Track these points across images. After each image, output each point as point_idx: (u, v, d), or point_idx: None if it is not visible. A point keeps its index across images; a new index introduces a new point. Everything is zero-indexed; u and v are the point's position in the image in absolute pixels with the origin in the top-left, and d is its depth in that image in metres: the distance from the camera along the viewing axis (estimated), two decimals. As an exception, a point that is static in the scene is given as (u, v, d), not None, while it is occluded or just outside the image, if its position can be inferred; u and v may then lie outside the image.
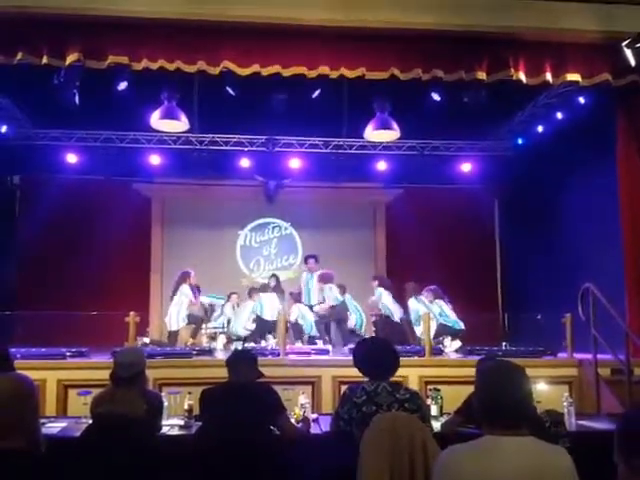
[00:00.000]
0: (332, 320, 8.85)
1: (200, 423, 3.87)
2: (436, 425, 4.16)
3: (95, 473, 3.15)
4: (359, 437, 2.98)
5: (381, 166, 10.42)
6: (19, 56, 5.62)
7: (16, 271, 9.92)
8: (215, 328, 9.20)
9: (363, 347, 3.81)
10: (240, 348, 6.44)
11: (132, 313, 6.65)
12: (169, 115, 7.67)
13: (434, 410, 4.74)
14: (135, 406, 3.46)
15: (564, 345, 6.81)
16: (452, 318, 8.01)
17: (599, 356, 6.08)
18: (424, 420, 3.38)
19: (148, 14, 5.62)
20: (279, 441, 3.60)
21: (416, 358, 6.81)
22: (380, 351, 3.66)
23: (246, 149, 10.14)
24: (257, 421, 3.48)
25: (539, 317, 8.03)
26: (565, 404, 4.43)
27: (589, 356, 6.18)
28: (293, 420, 4.09)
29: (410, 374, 6.32)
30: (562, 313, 6.76)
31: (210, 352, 7.43)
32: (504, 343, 8.38)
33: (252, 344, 8.27)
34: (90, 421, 3.64)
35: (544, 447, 1.98)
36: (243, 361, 3.88)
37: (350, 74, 6.04)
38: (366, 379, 3.58)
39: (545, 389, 5.26)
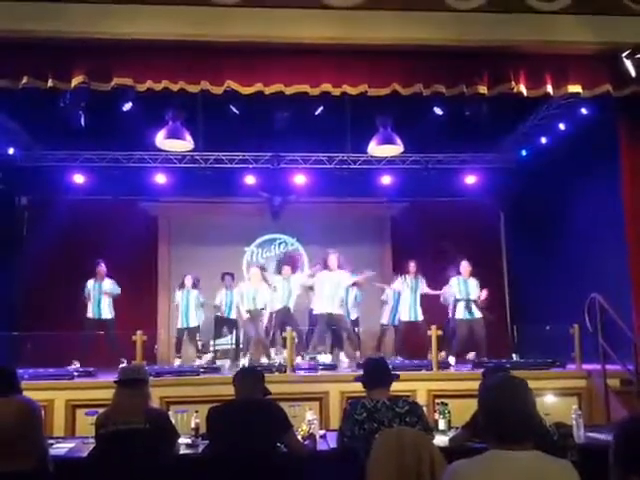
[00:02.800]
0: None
1: (207, 442, 3.88)
2: (444, 439, 4.15)
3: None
4: (363, 454, 2.98)
5: (385, 180, 10.44)
6: (24, 80, 5.69)
7: (24, 292, 9.97)
8: (224, 345, 9.22)
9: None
10: (247, 365, 6.40)
11: (139, 332, 6.67)
12: (174, 135, 7.73)
13: (442, 424, 4.73)
14: (136, 417, 3.49)
15: (573, 356, 6.78)
16: None
17: (608, 367, 6.05)
18: (426, 429, 3.39)
19: (151, 36, 5.68)
20: (286, 458, 3.59)
21: (424, 372, 6.80)
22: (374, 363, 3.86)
23: (251, 166, 10.20)
24: (264, 439, 3.48)
25: (547, 328, 7.99)
26: (574, 416, 4.40)
27: (598, 367, 6.15)
28: (300, 437, 4.08)
29: (418, 388, 6.31)
30: (570, 324, 6.73)
31: (217, 370, 7.43)
32: (513, 355, 8.34)
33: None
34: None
35: (549, 461, 1.97)
36: (250, 378, 3.88)
37: (352, 91, 6.08)
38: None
39: (554, 401, 5.23)
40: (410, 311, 8.80)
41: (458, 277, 8.52)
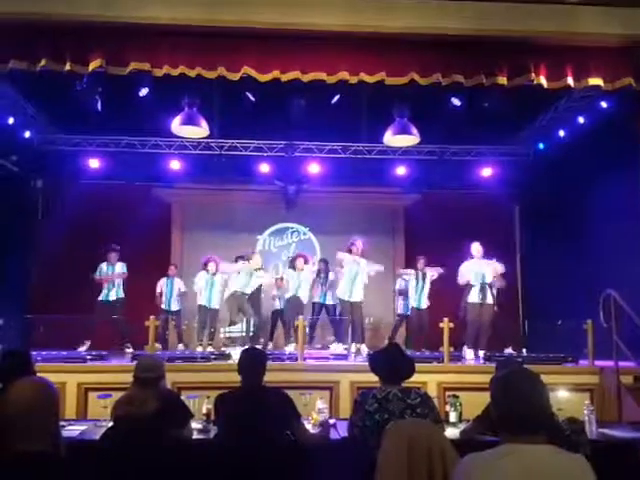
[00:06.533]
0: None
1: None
2: (455, 432, 4.14)
3: (115, 475, 3.18)
4: (373, 445, 2.97)
5: (400, 171, 10.40)
6: (42, 63, 5.70)
7: (37, 274, 10.06)
8: (235, 332, 9.24)
9: (380, 353, 3.86)
10: (250, 348, 6.05)
11: (152, 317, 6.70)
12: (190, 121, 7.72)
13: (453, 417, 4.72)
14: (149, 409, 3.51)
15: (585, 352, 6.73)
16: None
17: (621, 363, 6.01)
18: (436, 421, 3.38)
19: (169, 21, 5.67)
20: (294, 447, 3.58)
21: (435, 364, 6.77)
22: (395, 356, 3.72)
23: (265, 154, 10.20)
24: (273, 427, 3.48)
25: (560, 323, 7.93)
26: (586, 412, 4.36)
27: (611, 363, 6.10)
28: (311, 425, 4.08)
29: (429, 380, 6.28)
30: (583, 319, 6.67)
31: (228, 356, 7.45)
32: (524, 350, 8.29)
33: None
34: (110, 424, 3.68)
35: (562, 455, 1.95)
36: (256, 365, 3.82)
37: (370, 79, 6.03)
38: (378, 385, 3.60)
39: (566, 397, 5.19)
40: (417, 301, 9.07)
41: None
